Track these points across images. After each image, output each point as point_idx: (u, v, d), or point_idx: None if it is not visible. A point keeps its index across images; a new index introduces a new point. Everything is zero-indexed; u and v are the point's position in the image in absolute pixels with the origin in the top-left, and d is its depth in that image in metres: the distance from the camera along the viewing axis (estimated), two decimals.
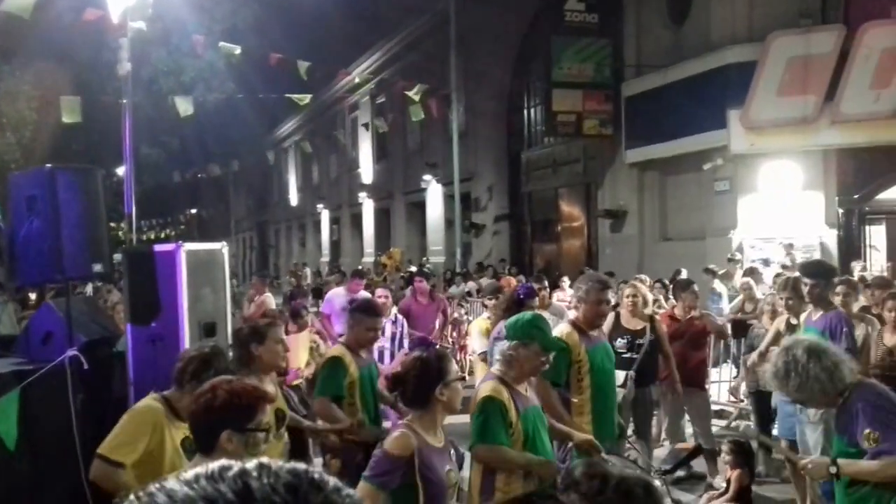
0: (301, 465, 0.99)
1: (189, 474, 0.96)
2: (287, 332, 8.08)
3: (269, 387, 4.65)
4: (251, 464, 0.97)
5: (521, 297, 7.39)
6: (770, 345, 7.56)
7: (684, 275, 14.62)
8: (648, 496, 2.00)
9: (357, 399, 5.70)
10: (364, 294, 11.99)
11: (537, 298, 7.83)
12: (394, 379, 4.01)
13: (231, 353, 5.39)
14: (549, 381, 5.29)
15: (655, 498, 2.04)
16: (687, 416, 8.66)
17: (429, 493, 3.69)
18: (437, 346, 4.10)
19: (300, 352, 8.44)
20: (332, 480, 0.98)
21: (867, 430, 3.76)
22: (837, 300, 7.19)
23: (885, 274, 14.53)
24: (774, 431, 8.01)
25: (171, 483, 0.95)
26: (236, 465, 0.97)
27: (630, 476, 1.97)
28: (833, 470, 3.90)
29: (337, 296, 11.55)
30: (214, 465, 0.98)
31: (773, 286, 10.77)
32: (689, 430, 8.76)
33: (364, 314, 5.99)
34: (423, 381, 3.79)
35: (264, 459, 0.98)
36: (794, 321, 7.33)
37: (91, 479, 4.09)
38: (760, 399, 8.46)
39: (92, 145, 25.01)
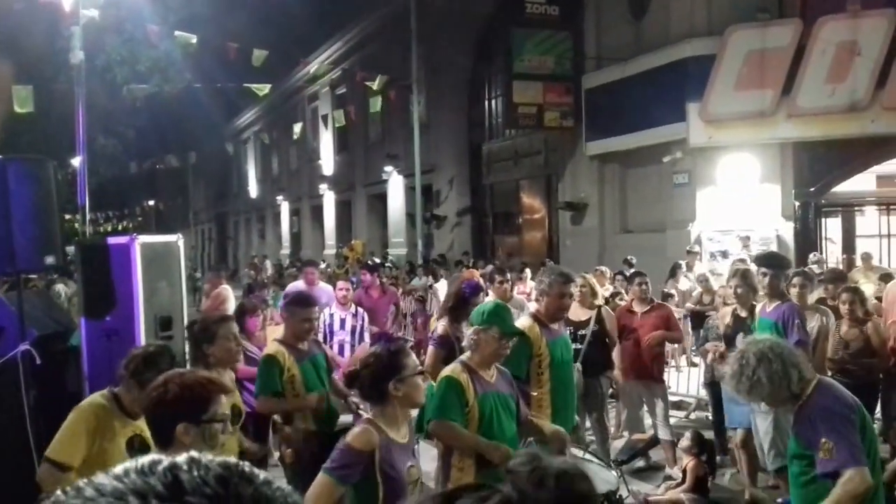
0: (232, 459, 0.98)
1: (118, 469, 0.94)
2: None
3: (226, 380, 4.61)
4: (181, 457, 0.96)
5: (467, 293, 7.36)
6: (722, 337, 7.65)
7: (634, 264, 14.82)
8: (587, 491, 1.98)
9: (302, 390, 5.76)
10: (324, 285, 11.96)
11: (482, 294, 7.83)
12: (349, 375, 4.02)
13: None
14: (511, 375, 5.29)
15: (594, 494, 2.02)
16: (645, 408, 8.72)
17: (388, 488, 3.68)
18: (398, 341, 4.07)
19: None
20: (263, 474, 0.97)
21: (823, 440, 3.74)
22: (794, 292, 7.26)
23: (841, 266, 14.76)
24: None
25: (100, 478, 0.93)
26: (166, 459, 0.95)
27: (571, 469, 1.94)
28: None
29: (297, 290, 11.47)
30: (145, 459, 0.96)
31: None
32: (648, 422, 8.82)
33: (297, 306, 6.03)
34: (376, 376, 3.79)
35: (194, 453, 0.97)
36: (742, 313, 7.38)
37: (38, 481, 4.00)
38: (715, 389, 8.56)
39: (46, 135, 24.57)
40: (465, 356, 4.85)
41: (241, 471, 0.95)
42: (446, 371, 4.75)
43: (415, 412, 4.57)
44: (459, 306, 7.07)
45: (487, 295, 10.45)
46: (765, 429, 6.80)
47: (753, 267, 8.06)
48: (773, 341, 4.07)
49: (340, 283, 9.91)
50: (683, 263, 14.88)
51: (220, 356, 5.07)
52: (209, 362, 5.01)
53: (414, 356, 3.97)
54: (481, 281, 8.33)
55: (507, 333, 4.84)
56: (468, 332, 4.93)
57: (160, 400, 3.07)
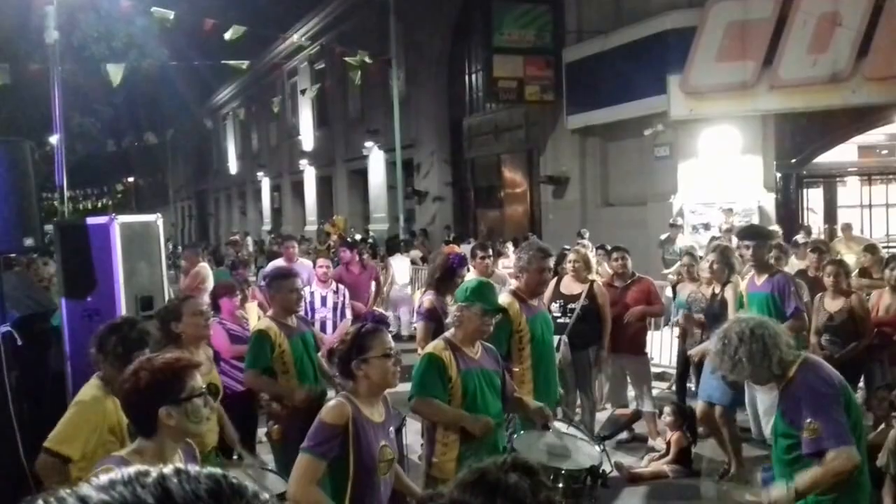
0: (219, 471, 0.96)
1: (104, 479, 0.92)
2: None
3: (201, 358, 4.63)
4: (169, 469, 0.94)
5: (454, 265, 7.37)
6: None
7: (587, 238, 14.90)
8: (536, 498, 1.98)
9: (292, 367, 5.78)
10: (304, 261, 11.95)
11: (468, 267, 7.84)
12: (329, 351, 4.09)
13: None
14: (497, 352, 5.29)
15: (547, 498, 2.01)
16: (629, 380, 8.76)
17: (358, 465, 3.71)
18: (374, 322, 4.07)
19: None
20: (251, 486, 0.96)
21: (808, 420, 3.74)
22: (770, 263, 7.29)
23: (822, 237, 14.86)
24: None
25: (85, 488, 0.90)
26: (154, 470, 0.93)
27: (517, 485, 1.94)
28: (793, 492, 3.83)
29: (275, 266, 11.43)
30: (130, 469, 0.94)
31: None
32: (631, 394, 8.86)
33: (280, 279, 6.09)
34: (345, 354, 3.86)
35: (180, 464, 0.94)
36: (716, 289, 7.41)
37: (36, 471, 4.02)
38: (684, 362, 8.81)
39: (23, 112, 24.30)
40: (449, 333, 4.88)
41: (231, 484, 0.94)
42: (428, 348, 4.80)
43: (402, 391, 4.55)
44: (446, 278, 7.09)
45: (469, 271, 10.49)
46: (769, 404, 6.79)
47: (735, 241, 8.10)
48: (758, 320, 4.05)
49: (320, 261, 9.91)
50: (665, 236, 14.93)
51: (189, 332, 5.12)
52: (181, 341, 5.05)
53: (387, 338, 3.95)
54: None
55: (490, 310, 4.85)
56: (452, 308, 4.97)
57: (135, 389, 3.05)
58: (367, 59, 19.94)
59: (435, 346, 4.76)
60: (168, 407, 3.00)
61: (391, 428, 4.06)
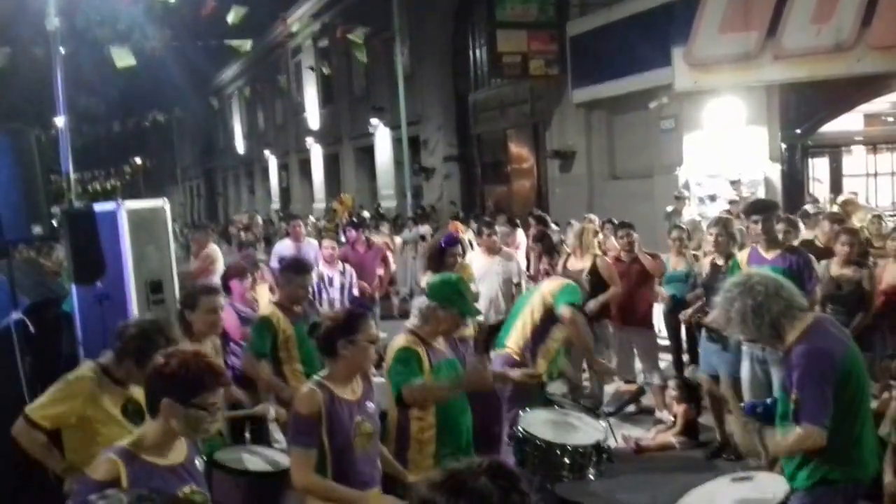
0: None
1: None
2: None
3: (207, 347, 4.75)
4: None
5: (444, 245, 7.46)
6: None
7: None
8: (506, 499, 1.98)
9: (295, 353, 5.89)
10: (310, 241, 12.00)
11: (461, 246, 7.93)
12: (312, 325, 4.14)
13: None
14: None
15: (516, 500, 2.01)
16: (636, 352, 8.85)
17: (332, 445, 3.79)
18: (363, 308, 4.14)
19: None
20: None
21: (794, 393, 3.79)
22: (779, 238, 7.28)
23: (828, 207, 14.81)
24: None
25: None
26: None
27: (484, 488, 1.98)
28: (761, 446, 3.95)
29: (286, 248, 11.50)
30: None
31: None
32: (639, 367, 8.95)
33: (294, 273, 6.17)
34: (331, 332, 3.92)
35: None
36: (719, 261, 7.43)
37: (13, 434, 4.22)
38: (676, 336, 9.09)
39: (28, 95, 24.36)
40: (414, 325, 4.74)
41: None
42: (400, 342, 4.63)
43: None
44: (437, 257, 7.20)
45: (474, 249, 10.57)
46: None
47: (741, 214, 8.10)
48: (763, 276, 4.01)
49: (326, 243, 9.96)
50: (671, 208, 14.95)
51: (198, 327, 5.15)
52: (192, 330, 5.11)
53: (373, 325, 4.01)
54: (462, 233, 8.40)
55: (465, 315, 4.83)
56: (421, 301, 4.85)
57: (159, 371, 3.11)
58: (369, 37, 19.86)
59: (406, 339, 4.62)
60: (173, 402, 3.05)
61: (369, 403, 4.05)
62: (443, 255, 7.27)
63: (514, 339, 6.43)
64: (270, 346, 5.89)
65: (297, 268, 6.29)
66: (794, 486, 3.86)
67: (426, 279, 7.09)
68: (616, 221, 13.51)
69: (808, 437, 3.74)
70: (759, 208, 7.07)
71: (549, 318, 6.38)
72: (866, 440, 3.98)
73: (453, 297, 4.71)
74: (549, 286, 6.64)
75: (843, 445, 3.83)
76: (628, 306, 8.68)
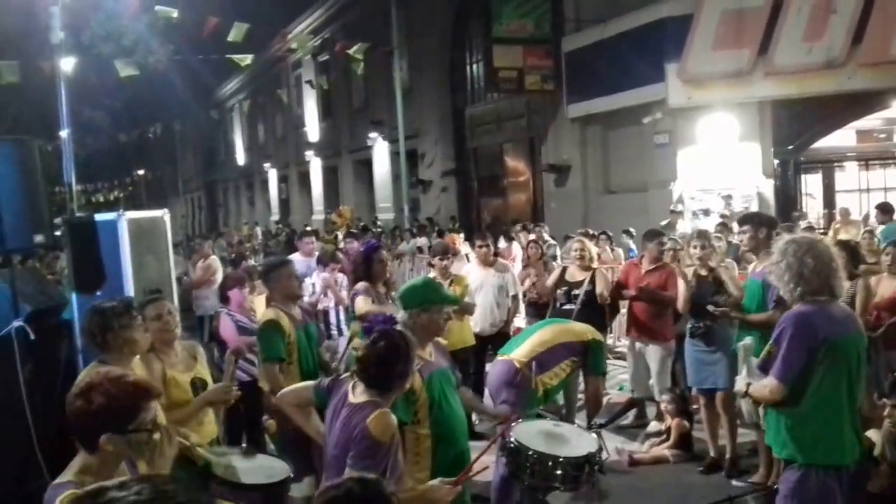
0: None
1: None
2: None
3: (173, 358, 4.78)
4: None
5: (366, 252, 7.51)
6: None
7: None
8: None
9: (294, 357, 5.66)
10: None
11: (384, 252, 7.93)
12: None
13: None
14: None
15: None
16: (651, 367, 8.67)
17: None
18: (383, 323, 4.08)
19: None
20: None
21: (770, 345, 4.07)
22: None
23: (822, 221, 14.98)
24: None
25: None
26: None
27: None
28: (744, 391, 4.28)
29: (297, 264, 11.57)
30: None
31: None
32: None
33: (275, 270, 5.94)
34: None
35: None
36: (702, 271, 7.45)
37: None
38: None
39: (33, 108, 24.56)
40: None
41: None
42: None
43: None
44: (363, 265, 7.32)
45: (469, 261, 10.65)
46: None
47: (735, 227, 8.14)
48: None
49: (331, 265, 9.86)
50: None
51: (153, 336, 4.73)
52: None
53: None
54: (459, 245, 8.42)
55: (446, 302, 4.75)
56: (401, 316, 4.60)
57: (84, 411, 2.84)
58: (368, 51, 20.05)
59: None
60: (111, 435, 2.81)
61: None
62: (369, 262, 7.28)
63: (525, 350, 6.16)
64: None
65: (274, 265, 6.09)
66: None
67: (360, 286, 7.14)
68: (610, 234, 13.68)
69: (767, 388, 4.06)
70: (745, 220, 7.10)
71: (572, 350, 6.20)
72: (846, 431, 4.09)
73: (428, 295, 4.64)
74: (593, 331, 6.50)
75: (819, 431, 4.03)
76: (644, 318, 8.29)
